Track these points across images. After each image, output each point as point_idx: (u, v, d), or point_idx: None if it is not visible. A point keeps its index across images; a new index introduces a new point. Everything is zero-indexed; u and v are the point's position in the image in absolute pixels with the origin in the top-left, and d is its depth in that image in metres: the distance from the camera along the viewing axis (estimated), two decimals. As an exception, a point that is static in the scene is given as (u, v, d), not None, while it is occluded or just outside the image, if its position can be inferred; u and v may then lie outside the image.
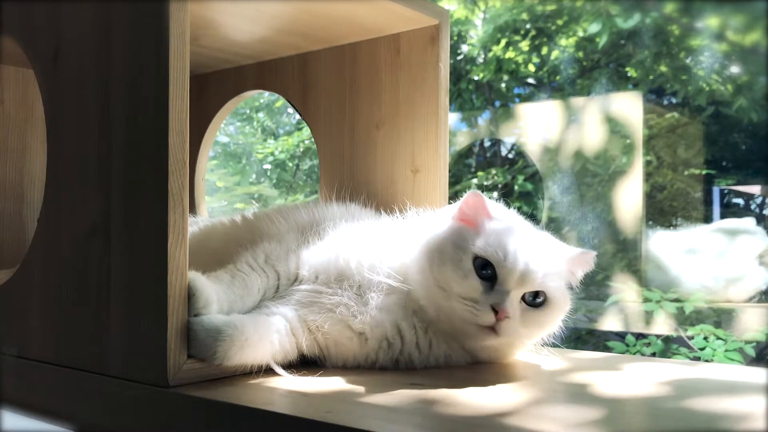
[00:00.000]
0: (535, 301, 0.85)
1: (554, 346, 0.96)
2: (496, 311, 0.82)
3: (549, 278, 0.85)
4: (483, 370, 0.87)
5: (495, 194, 3.66)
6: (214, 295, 0.79)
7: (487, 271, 0.84)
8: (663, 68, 3.24)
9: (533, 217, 3.36)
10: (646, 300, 2.66)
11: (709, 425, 0.64)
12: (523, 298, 0.85)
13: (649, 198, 3.17)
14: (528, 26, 3.57)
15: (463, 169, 3.84)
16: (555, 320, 0.89)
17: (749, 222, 2.76)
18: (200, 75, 1.51)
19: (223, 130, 3.95)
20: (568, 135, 3.25)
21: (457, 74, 3.71)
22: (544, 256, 0.86)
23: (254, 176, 3.98)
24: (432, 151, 1.15)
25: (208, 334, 0.75)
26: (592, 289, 3.04)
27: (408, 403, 0.70)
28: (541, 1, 3.52)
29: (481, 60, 3.71)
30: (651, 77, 3.27)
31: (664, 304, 2.59)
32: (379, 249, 0.91)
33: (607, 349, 2.63)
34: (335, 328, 0.86)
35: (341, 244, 0.92)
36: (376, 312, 0.85)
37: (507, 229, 0.88)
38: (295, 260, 0.92)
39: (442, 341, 0.87)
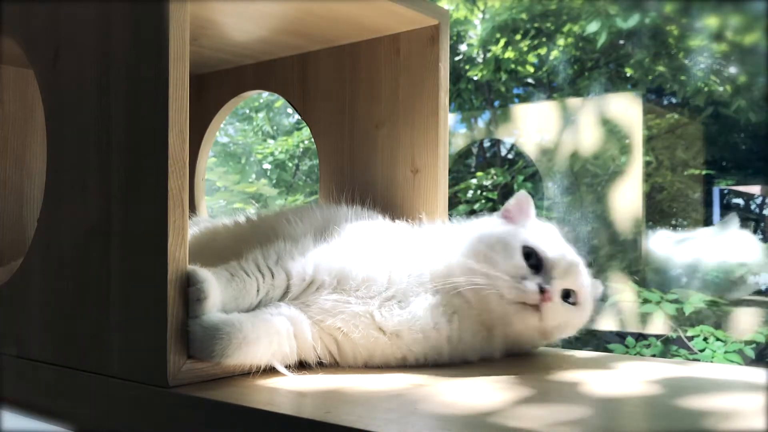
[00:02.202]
0: (569, 299, 0.90)
1: (548, 344, 0.99)
2: (542, 291, 0.87)
3: (584, 282, 0.92)
4: (482, 369, 0.87)
5: (495, 194, 3.66)
6: (216, 291, 0.80)
7: (533, 260, 0.90)
8: (661, 68, 3.24)
9: (533, 218, 3.36)
10: (646, 301, 2.66)
11: (698, 423, 0.64)
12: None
13: (649, 198, 3.18)
14: (527, 26, 3.57)
15: (462, 170, 3.85)
16: (578, 324, 0.94)
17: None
18: (200, 75, 1.51)
19: (223, 130, 3.95)
20: (567, 135, 3.25)
21: (457, 74, 3.72)
22: (584, 267, 0.93)
23: (254, 176, 3.98)
24: (432, 151, 1.15)
25: (206, 333, 0.75)
26: (592, 289, 3.04)
27: (408, 402, 0.70)
28: (540, 1, 3.52)
29: (480, 60, 3.72)
30: (650, 77, 3.28)
31: (663, 304, 2.59)
32: (417, 257, 0.92)
33: (607, 350, 2.63)
34: (360, 333, 0.85)
35: (367, 252, 0.92)
36: (417, 311, 0.87)
37: (549, 229, 0.96)
38: (313, 263, 0.90)
39: (470, 335, 0.89)
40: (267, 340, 0.80)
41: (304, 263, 0.90)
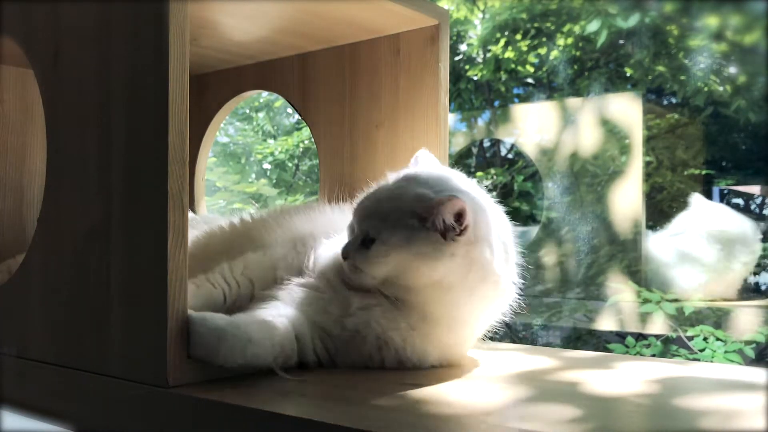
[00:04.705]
0: (364, 240, 0.85)
1: (548, 345, 0.96)
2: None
3: (374, 219, 0.85)
4: (481, 369, 0.87)
5: (494, 193, 3.66)
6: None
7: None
8: (662, 68, 3.24)
9: (533, 217, 3.37)
10: (646, 301, 2.66)
11: (698, 423, 0.64)
12: (366, 242, 0.85)
13: (649, 198, 3.18)
14: (527, 26, 3.57)
15: (462, 170, 3.84)
16: (386, 265, 0.84)
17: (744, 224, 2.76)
18: (200, 75, 1.51)
19: (223, 130, 3.95)
20: (567, 135, 3.25)
21: (457, 74, 3.71)
22: (386, 201, 0.86)
23: (254, 176, 3.98)
24: (432, 150, 1.15)
25: (211, 335, 0.75)
26: (592, 289, 3.04)
27: (407, 403, 0.70)
28: (540, 1, 3.52)
29: (480, 60, 3.72)
30: (650, 77, 3.27)
31: (663, 304, 2.59)
32: None
33: (607, 350, 2.63)
34: (335, 329, 0.86)
35: (328, 247, 0.94)
36: (362, 312, 0.86)
37: (396, 177, 0.92)
38: (274, 271, 0.94)
39: (426, 339, 0.87)
40: (270, 342, 0.80)
41: (266, 269, 0.94)
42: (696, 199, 2.81)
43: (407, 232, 0.83)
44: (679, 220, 2.87)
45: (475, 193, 0.90)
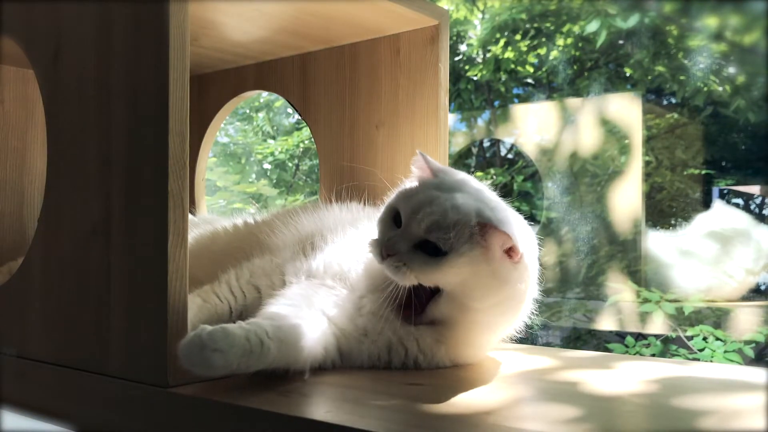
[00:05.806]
0: (431, 250, 0.81)
1: (548, 345, 0.96)
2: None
3: (443, 231, 0.80)
4: (481, 369, 0.87)
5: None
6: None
7: (399, 219, 0.84)
8: (661, 68, 3.24)
9: (533, 217, 3.37)
10: (646, 300, 2.66)
11: (698, 423, 0.64)
12: (425, 248, 0.81)
13: (649, 198, 3.18)
14: (527, 26, 3.57)
15: (462, 170, 3.84)
16: (454, 277, 0.81)
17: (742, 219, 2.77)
18: (200, 75, 1.51)
19: (223, 130, 3.95)
20: (566, 135, 3.25)
21: (457, 74, 3.71)
22: (450, 210, 0.81)
23: (254, 176, 3.98)
24: (432, 150, 1.15)
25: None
26: (592, 289, 3.04)
27: (407, 403, 0.70)
28: (540, 1, 3.52)
29: (480, 60, 3.72)
30: (649, 77, 3.28)
31: (663, 304, 2.59)
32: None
33: (606, 350, 2.63)
34: (349, 327, 0.86)
35: (339, 246, 0.93)
36: (373, 317, 0.85)
37: (436, 182, 0.87)
38: (281, 275, 0.93)
39: (441, 343, 0.87)
40: (317, 351, 0.82)
41: (273, 275, 0.93)
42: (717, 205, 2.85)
43: (482, 249, 0.80)
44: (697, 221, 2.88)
45: (504, 207, 0.88)
